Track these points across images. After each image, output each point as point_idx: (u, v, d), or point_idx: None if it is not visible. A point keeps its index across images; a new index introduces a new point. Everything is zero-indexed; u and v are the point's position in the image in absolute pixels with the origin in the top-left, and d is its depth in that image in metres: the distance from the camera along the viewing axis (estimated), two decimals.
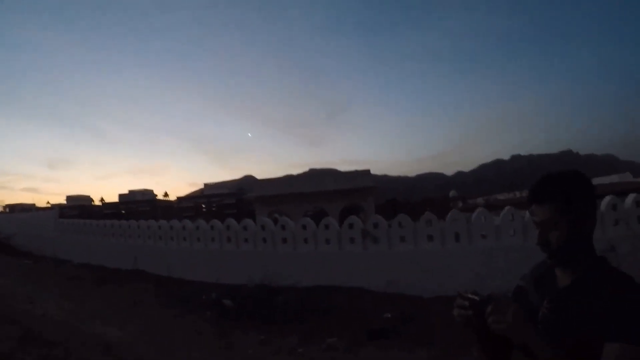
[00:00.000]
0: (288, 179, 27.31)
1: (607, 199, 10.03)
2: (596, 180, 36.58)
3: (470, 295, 1.58)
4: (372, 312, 8.65)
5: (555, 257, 1.58)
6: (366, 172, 22.27)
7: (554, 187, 1.57)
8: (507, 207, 10.82)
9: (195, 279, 13.73)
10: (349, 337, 7.32)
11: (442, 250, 10.64)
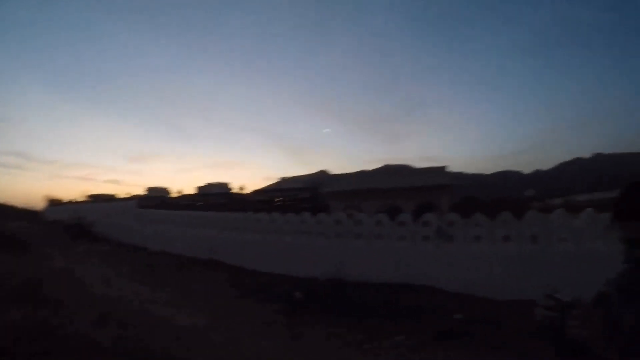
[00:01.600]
0: (363, 174, 27.30)
1: None
2: None
3: (558, 296, 1.54)
4: (443, 312, 8.46)
5: None
6: (441, 169, 21.89)
7: None
8: (587, 209, 10.27)
9: (268, 270, 13.99)
10: (418, 336, 7.21)
11: (519, 252, 10.20)
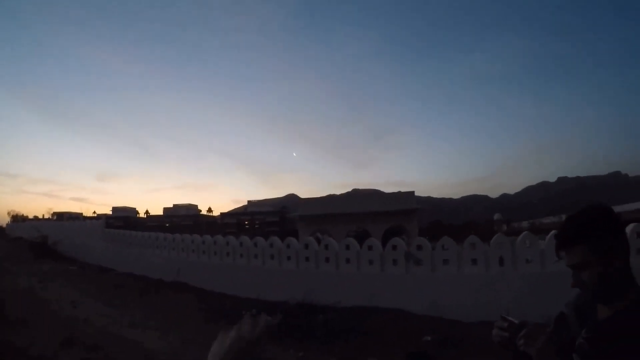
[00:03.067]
0: (332, 199, 27.45)
1: (631, 226, 9.60)
2: (625, 207, 35.15)
3: (509, 318, 1.69)
4: (413, 334, 8.52)
5: (594, 296, 1.60)
6: (410, 194, 22.05)
7: (578, 230, 1.58)
8: (552, 232, 10.52)
9: (237, 294, 13.87)
10: (389, 358, 7.27)
11: (486, 275, 10.40)
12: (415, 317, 10.01)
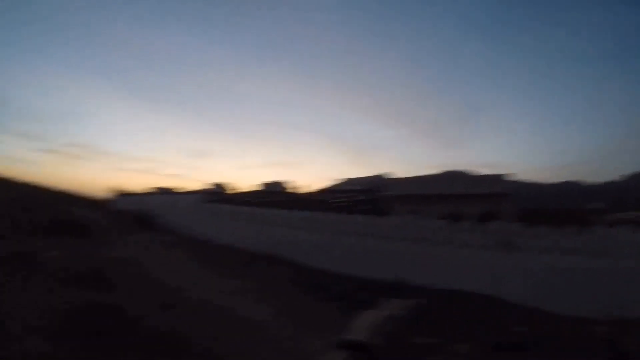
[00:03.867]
0: (424, 179, 27.00)
1: None
2: None
3: (617, 315, 1.69)
4: (503, 323, 8.39)
5: None
6: (502, 177, 21.38)
7: None
8: None
9: (329, 269, 14.24)
10: (478, 345, 7.22)
11: (583, 267, 9.99)
12: (509, 305, 9.85)
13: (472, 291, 10.80)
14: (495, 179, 21.84)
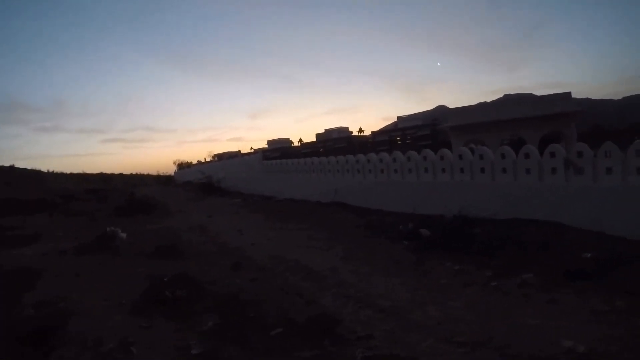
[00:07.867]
0: (483, 106, 26.34)
1: None
2: None
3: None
4: (571, 249, 8.27)
5: None
6: (567, 96, 20.39)
7: None
8: None
9: (393, 209, 14.50)
10: (545, 274, 7.20)
11: None
12: (575, 231, 9.64)
13: (537, 219, 10.68)
14: (559, 98, 20.97)
